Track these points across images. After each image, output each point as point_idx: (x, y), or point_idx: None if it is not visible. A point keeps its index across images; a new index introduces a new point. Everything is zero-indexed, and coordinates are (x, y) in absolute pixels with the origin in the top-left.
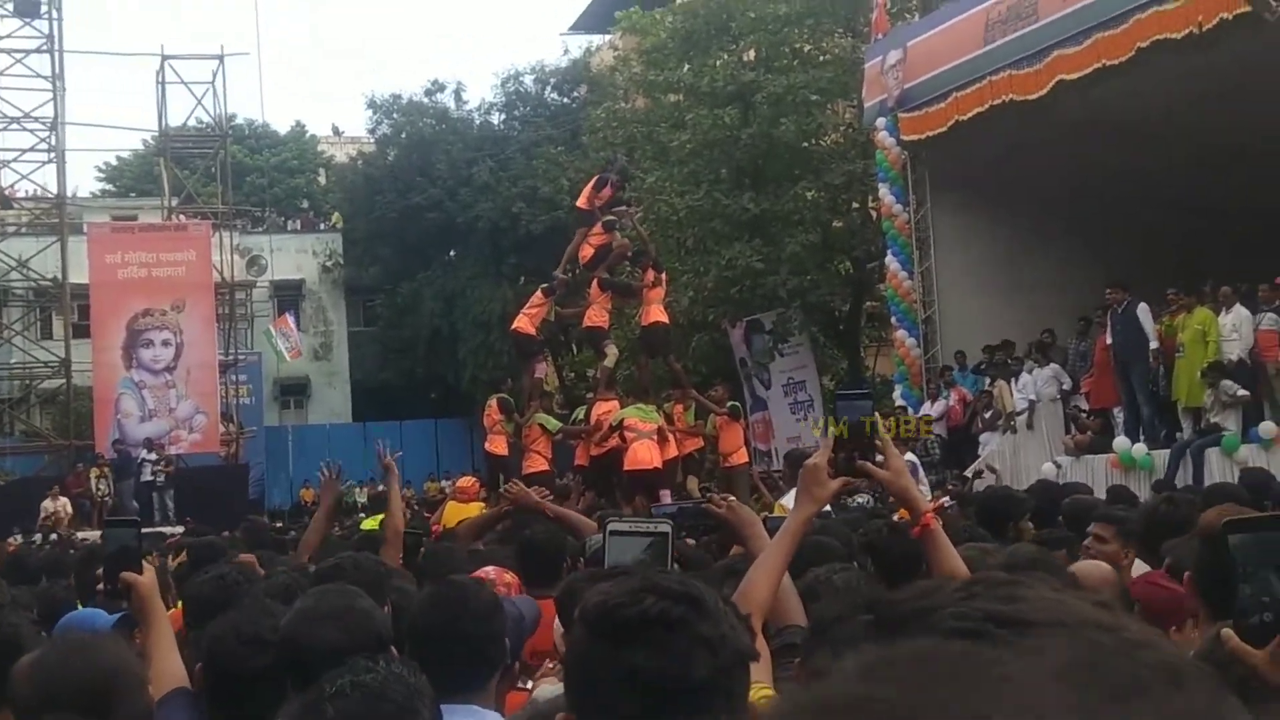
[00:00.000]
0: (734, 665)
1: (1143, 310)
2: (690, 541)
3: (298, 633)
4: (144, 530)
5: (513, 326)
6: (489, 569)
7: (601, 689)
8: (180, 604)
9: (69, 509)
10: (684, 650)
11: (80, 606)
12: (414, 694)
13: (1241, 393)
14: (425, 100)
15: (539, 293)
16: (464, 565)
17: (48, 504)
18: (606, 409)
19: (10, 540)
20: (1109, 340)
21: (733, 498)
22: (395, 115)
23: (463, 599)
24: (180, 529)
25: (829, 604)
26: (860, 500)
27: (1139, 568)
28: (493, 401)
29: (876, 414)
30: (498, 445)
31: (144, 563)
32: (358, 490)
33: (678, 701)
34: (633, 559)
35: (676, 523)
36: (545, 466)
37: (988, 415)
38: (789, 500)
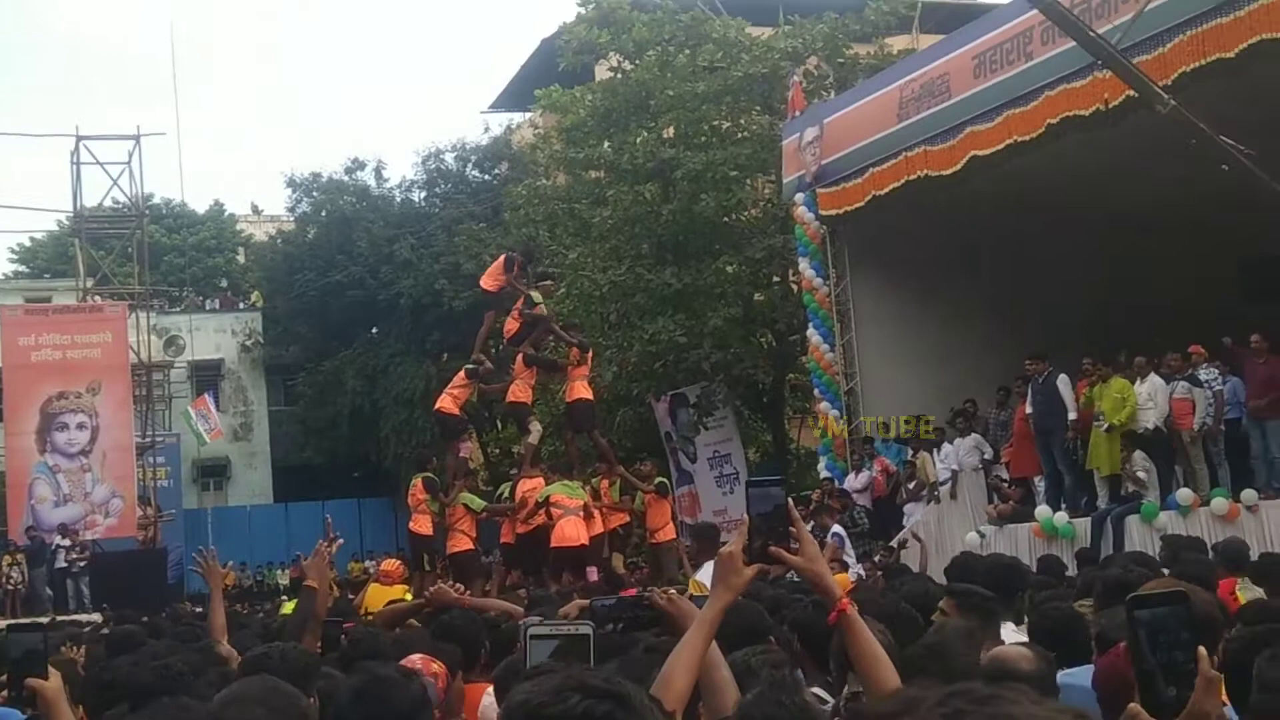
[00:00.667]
0: None
1: (1062, 381)
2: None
3: (225, 715)
4: (59, 619)
5: (436, 406)
6: (415, 657)
7: None
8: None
9: None
10: None
11: None
12: None
13: (1141, 474)
14: (345, 178)
15: (462, 373)
16: (389, 652)
17: None
18: (531, 486)
19: None
20: (1029, 410)
21: (673, 591)
22: (315, 193)
23: (388, 694)
24: (97, 616)
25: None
26: (789, 575)
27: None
28: (417, 481)
29: (789, 499)
30: (422, 525)
31: (49, 668)
32: (280, 572)
33: None
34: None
35: (615, 614)
36: (470, 545)
37: (911, 486)
38: (704, 575)
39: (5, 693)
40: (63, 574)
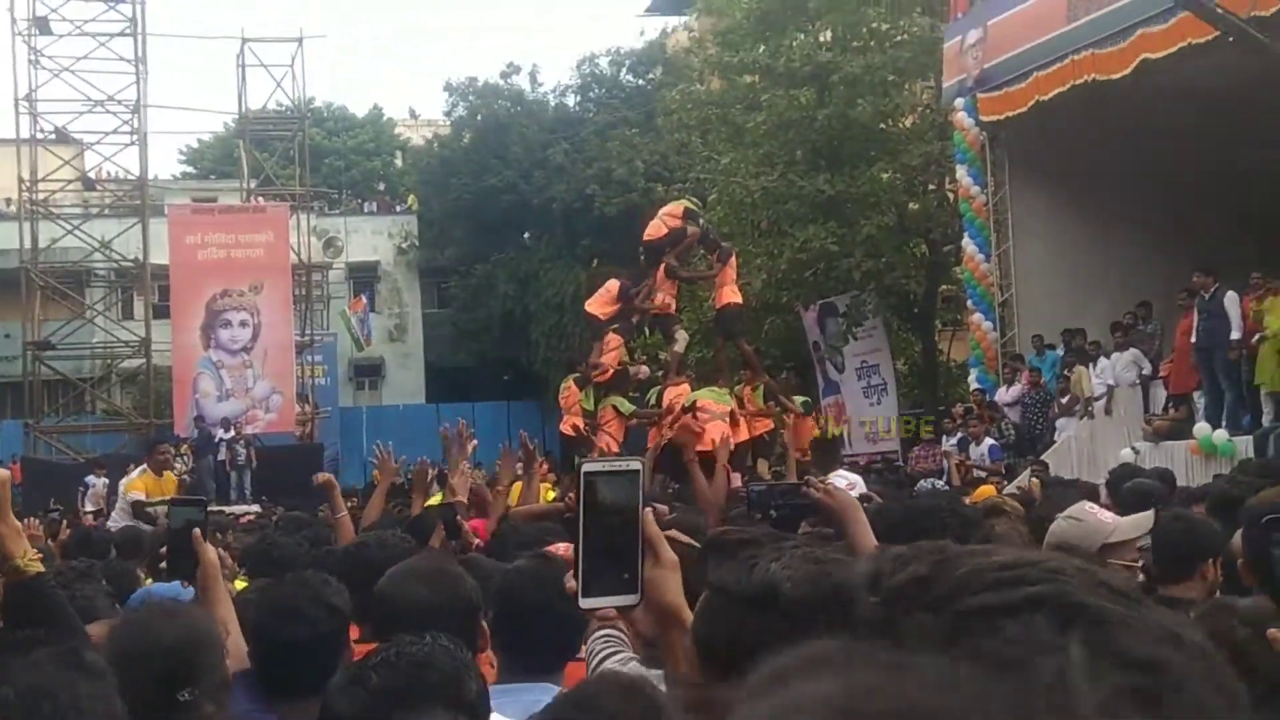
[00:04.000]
0: None
1: (1230, 298)
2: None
3: (391, 592)
4: (219, 509)
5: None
6: (559, 545)
7: None
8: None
9: None
10: None
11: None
12: (460, 666)
13: None
14: (501, 83)
15: (613, 335)
16: (534, 543)
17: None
18: (678, 392)
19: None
20: (1195, 326)
21: (831, 482)
22: (471, 98)
23: (556, 576)
24: (256, 508)
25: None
26: (936, 483)
27: None
28: (569, 382)
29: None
30: (570, 428)
31: (207, 543)
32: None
33: None
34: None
35: (769, 500)
36: (615, 449)
37: (1065, 400)
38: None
39: (165, 564)
40: (224, 466)
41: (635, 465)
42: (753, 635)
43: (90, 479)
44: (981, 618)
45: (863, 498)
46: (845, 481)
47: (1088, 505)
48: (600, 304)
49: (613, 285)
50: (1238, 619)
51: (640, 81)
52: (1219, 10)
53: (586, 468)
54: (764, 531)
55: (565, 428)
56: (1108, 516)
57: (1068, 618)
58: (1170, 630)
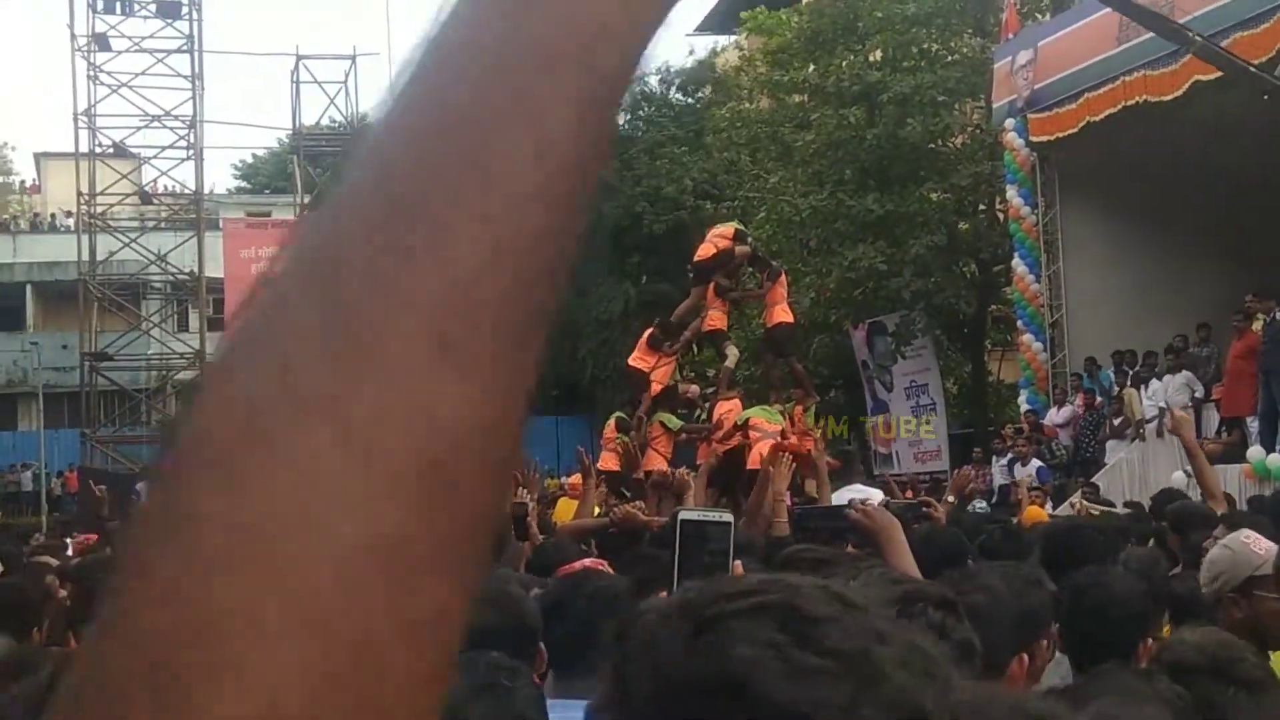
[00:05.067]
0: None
1: None
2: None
3: None
4: None
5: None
6: (587, 560)
7: None
8: None
9: None
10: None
11: None
12: (520, 674)
13: None
14: None
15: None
16: (564, 562)
17: None
18: (728, 408)
19: None
20: (1261, 349)
21: (872, 502)
22: None
23: (597, 591)
24: None
25: None
26: (979, 506)
27: None
28: (610, 421)
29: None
30: (609, 462)
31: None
32: None
33: None
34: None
35: (808, 521)
36: (664, 465)
37: (1116, 422)
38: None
39: None
40: None
41: (728, 517)
42: None
43: (141, 485)
44: (718, 622)
45: (921, 502)
46: (862, 496)
47: (1244, 534)
48: (640, 358)
49: (644, 339)
50: None
51: (689, 100)
52: (1244, 64)
53: (682, 515)
54: (838, 551)
55: (604, 463)
56: (1262, 547)
57: (783, 619)
58: (879, 630)
